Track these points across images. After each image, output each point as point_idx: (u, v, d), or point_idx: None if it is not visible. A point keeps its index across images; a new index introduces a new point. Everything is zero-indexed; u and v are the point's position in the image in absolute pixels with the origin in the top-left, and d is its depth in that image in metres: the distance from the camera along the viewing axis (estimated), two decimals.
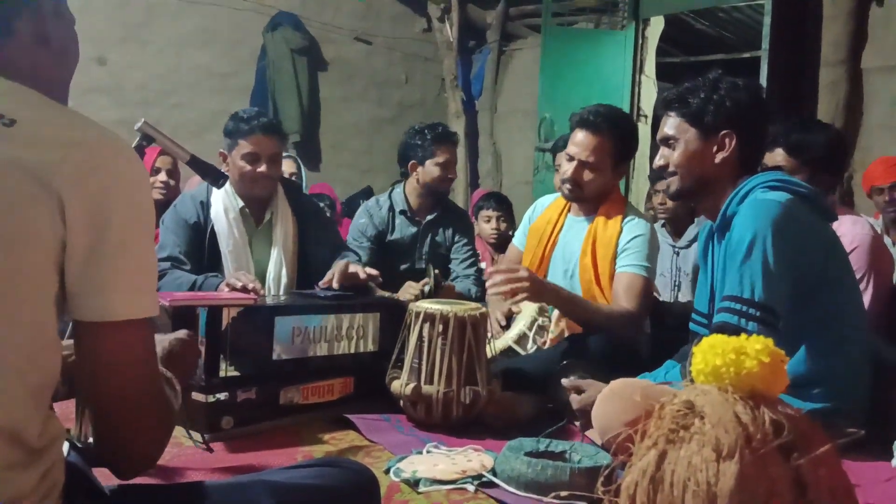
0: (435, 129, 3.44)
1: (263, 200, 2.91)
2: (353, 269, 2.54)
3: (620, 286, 2.64)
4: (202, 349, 2.00)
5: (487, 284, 2.44)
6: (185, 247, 2.77)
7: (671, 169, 2.13)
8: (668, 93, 2.19)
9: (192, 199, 2.86)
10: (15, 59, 1.04)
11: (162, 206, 3.06)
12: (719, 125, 2.06)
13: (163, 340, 1.34)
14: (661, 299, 3.51)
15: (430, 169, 3.38)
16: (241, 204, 2.86)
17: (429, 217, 3.46)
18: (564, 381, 2.13)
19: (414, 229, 3.44)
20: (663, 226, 3.80)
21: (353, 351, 2.39)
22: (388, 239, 3.41)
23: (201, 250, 2.80)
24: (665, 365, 2.20)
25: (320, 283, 2.58)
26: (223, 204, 2.83)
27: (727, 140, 2.07)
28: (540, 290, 2.46)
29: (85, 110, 1.03)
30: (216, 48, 6.28)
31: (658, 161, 2.16)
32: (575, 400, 2.04)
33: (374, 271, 2.58)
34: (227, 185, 2.81)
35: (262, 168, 2.80)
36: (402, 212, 3.43)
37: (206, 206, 2.84)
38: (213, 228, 2.82)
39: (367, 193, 6.12)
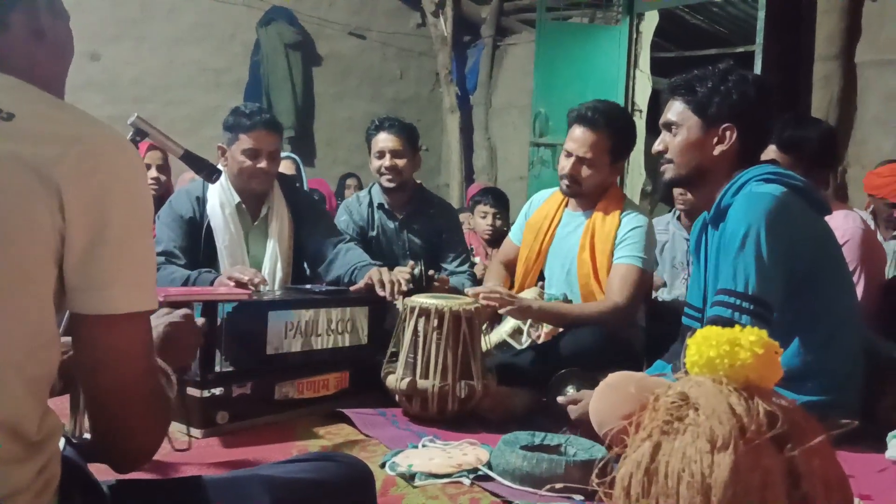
0: (374, 122, 3.35)
1: (260, 196, 2.91)
2: (389, 277, 2.53)
3: (616, 277, 2.64)
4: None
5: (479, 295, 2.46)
6: (181, 242, 2.76)
7: (668, 155, 2.12)
8: (676, 78, 2.17)
9: (187, 195, 2.85)
10: (11, 54, 1.04)
11: (154, 202, 3.04)
12: (722, 117, 2.05)
13: (157, 326, 1.30)
14: (660, 299, 3.50)
15: (373, 164, 3.30)
16: (238, 199, 2.86)
17: (406, 211, 3.35)
18: (560, 399, 2.13)
19: (393, 224, 3.35)
20: (678, 218, 3.80)
21: (348, 345, 2.39)
22: (370, 235, 3.34)
23: (197, 245, 2.80)
24: (655, 365, 2.20)
25: (352, 289, 2.58)
26: (219, 199, 2.82)
27: (728, 133, 2.06)
28: (523, 310, 2.49)
29: (79, 106, 1.02)
30: (210, 44, 6.28)
31: (657, 146, 2.15)
32: (572, 410, 2.05)
33: (405, 273, 2.59)
34: (224, 180, 2.82)
35: (262, 164, 2.80)
36: (381, 206, 3.35)
37: (201, 201, 2.83)
38: (209, 224, 2.82)
39: (344, 178, 6.12)
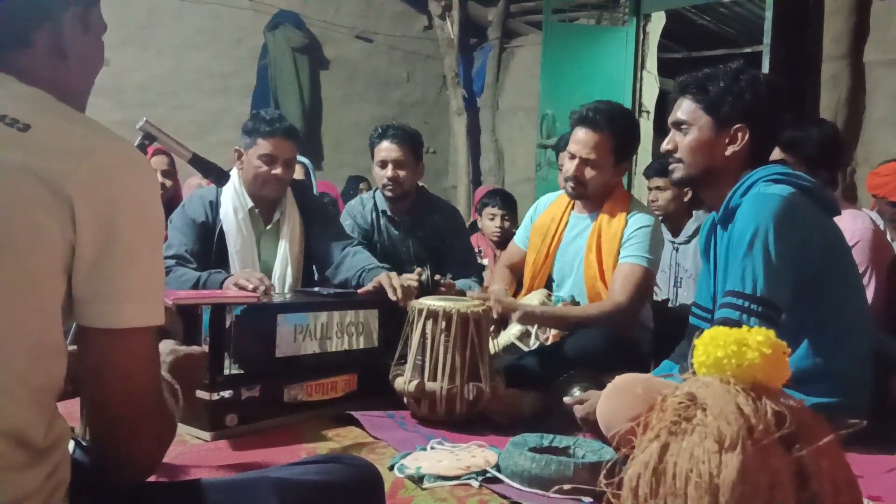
0: (378, 129, 3.33)
1: (273, 201, 2.94)
2: (399, 281, 2.53)
3: (619, 276, 2.64)
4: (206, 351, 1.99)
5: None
6: (192, 246, 2.78)
7: (678, 155, 2.10)
8: (686, 76, 2.14)
9: (200, 199, 2.88)
10: (33, 69, 1.04)
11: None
12: (734, 118, 2.04)
13: (176, 351, 1.34)
14: (668, 305, 3.49)
15: (375, 171, 3.29)
16: (251, 204, 2.88)
17: (409, 217, 3.33)
18: (567, 400, 2.13)
19: (397, 231, 3.34)
20: (661, 222, 3.78)
21: (356, 347, 2.40)
22: (375, 240, 3.32)
23: (209, 249, 2.82)
24: (662, 366, 2.19)
25: (360, 291, 2.58)
26: (232, 203, 2.85)
27: (740, 134, 2.04)
28: (525, 315, 2.50)
29: (86, 112, 1.03)
30: (217, 48, 6.29)
31: (666, 145, 2.13)
32: (578, 410, 2.04)
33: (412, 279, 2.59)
34: (238, 184, 2.86)
35: (277, 170, 2.82)
36: (384, 212, 3.33)
37: (215, 205, 2.86)
38: (221, 228, 2.84)
39: (355, 181, 6.12)
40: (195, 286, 2.60)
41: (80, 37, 1.10)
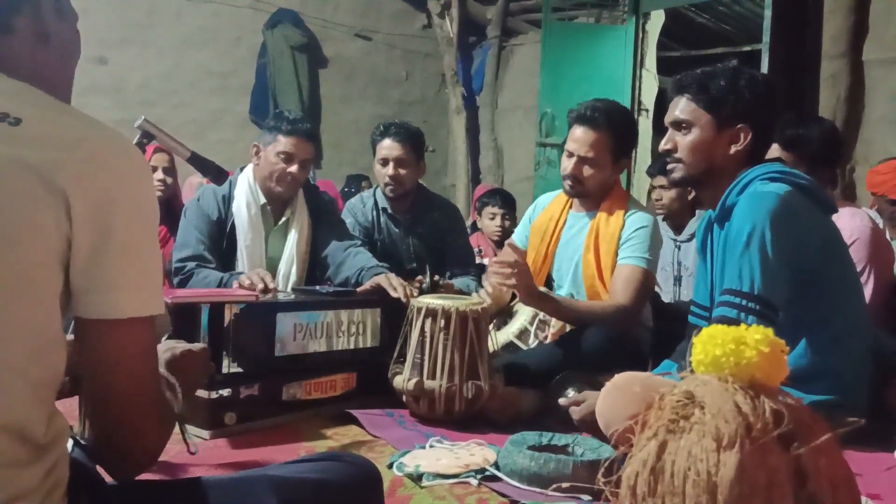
0: (381, 127, 3.34)
1: (285, 199, 2.97)
2: (394, 282, 2.53)
3: (619, 278, 2.64)
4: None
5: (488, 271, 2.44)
6: (209, 243, 2.82)
7: (678, 154, 2.10)
8: (683, 75, 2.13)
9: (214, 194, 2.90)
10: (17, 58, 1.04)
11: (161, 204, 3.07)
12: (736, 117, 2.03)
13: (174, 348, 1.34)
14: (666, 301, 3.49)
15: (377, 169, 3.30)
16: (263, 200, 2.92)
17: (409, 215, 3.34)
18: (562, 401, 2.12)
19: (398, 229, 3.34)
20: (664, 220, 3.78)
21: (354, 346, 2.40)
22: (375, 238, 3.33)
23: (220, 244, 2.86)
24: (662, 365, 2.19)
25: (358, 290, 2.59)
26: (245, 198, 2.89)
27: (742, 133, 2.04)
28: (530, 286, 2.47)
29: (86, 111, 1.03)
30: (217, 47, 6.30)
31: (665, 144, 2.12)
32: (575, 412, 2.04)
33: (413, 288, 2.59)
34: (251, 180, 2.91)
35: (293, 168, 2.86)
36: (384, 209, 3.34)
37: (227, 200, 2.90)
38: (233, 222, 2.88)
39: (356, 180, 6.12)
40: (219, 287, 2.63)
41: (58, 23, 1.10)
